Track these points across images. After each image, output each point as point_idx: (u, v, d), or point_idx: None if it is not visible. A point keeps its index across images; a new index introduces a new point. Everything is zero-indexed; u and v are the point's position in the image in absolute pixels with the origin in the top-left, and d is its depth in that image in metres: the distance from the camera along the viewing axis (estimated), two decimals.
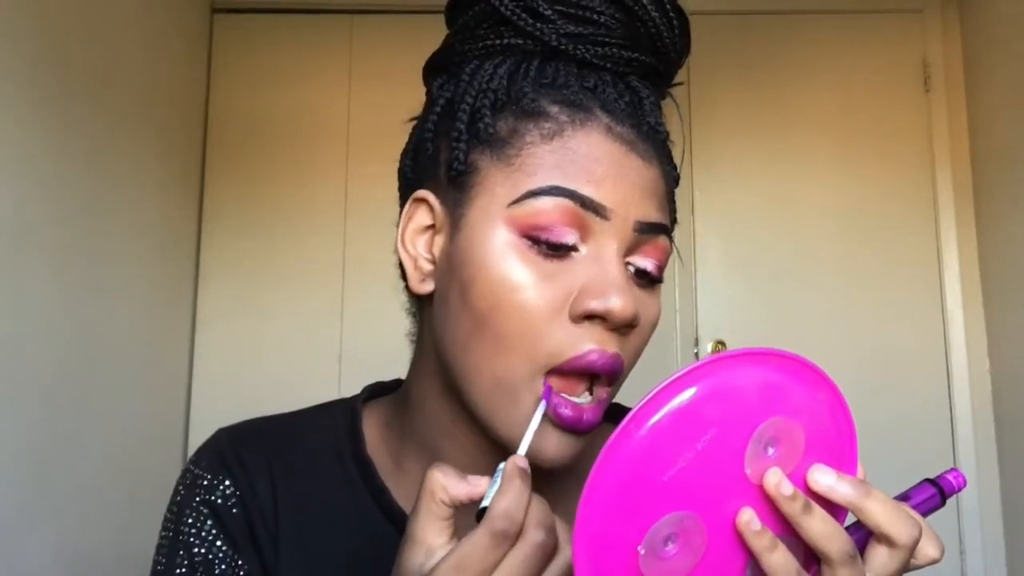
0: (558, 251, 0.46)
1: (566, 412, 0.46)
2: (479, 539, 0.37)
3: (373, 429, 0.58)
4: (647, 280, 0.50)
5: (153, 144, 2.11)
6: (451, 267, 0.49)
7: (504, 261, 0.46)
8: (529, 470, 0.40)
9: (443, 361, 0.51)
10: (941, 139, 2.44)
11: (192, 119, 2.39)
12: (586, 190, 0.46)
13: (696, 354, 2.32)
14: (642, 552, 0.37)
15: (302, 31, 2.52)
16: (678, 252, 0.58)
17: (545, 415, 0.46)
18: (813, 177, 2.45)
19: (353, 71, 2.47)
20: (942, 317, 2.37)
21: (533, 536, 0.38)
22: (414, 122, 0.57)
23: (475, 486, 0.40)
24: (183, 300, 2.33)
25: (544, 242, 0.46)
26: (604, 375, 0.47)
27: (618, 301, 0.45)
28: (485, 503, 0.39)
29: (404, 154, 0.57)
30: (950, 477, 0.47)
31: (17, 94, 1.53)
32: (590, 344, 0.46)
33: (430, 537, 0.39)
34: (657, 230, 0.49)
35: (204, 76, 2.47)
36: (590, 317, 0.46)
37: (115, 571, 1.78)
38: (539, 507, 0.39)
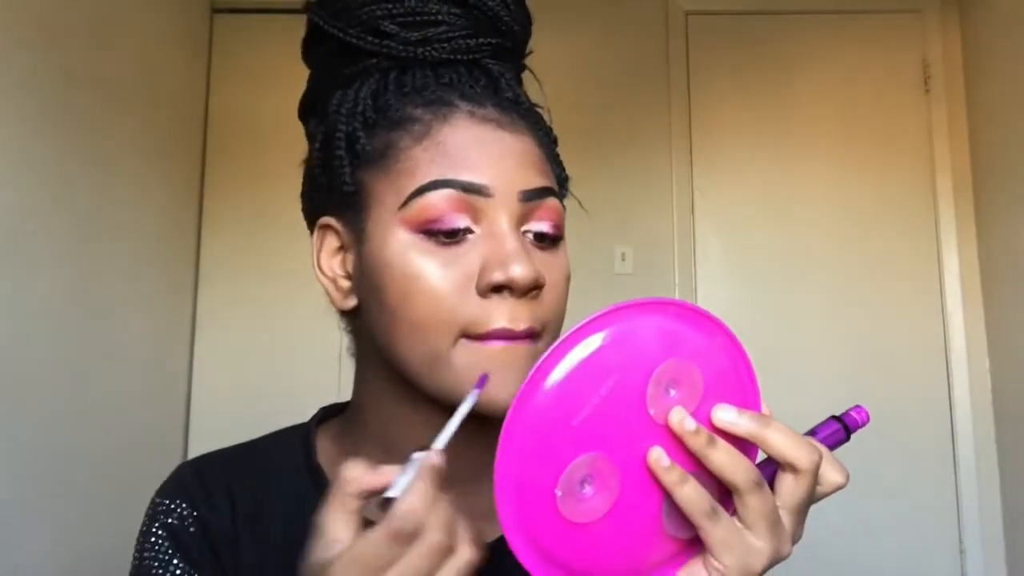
0: (454, 237, 0.50)
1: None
2: (378, 536, 0.38)
3: (325, 441, 0.61)
4: (548, 241, 0.53)
5: (153, 144, 2.11)
6: (364, 278, 0.53)
7: (405, 258, 0.50)
8: (443, 466, 0.41)
9: (384, 359, 0.54)
10: (941, 139, 2.44)
11: (192, 119, 2.40)
12: (464, 175, 0.50)
13: None
14: (559, 494, 0.39)
15: (302, 31, 2.52)
16: (580, 203, 0.62)
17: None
18: (813, 177, 2.45)
19: None
20: (942, 317, 2.37)
21: (431, 537, 0.39)
22: (303, 166, 0.60)
23: (384, 475, 0.41)
24: (183, 300, 2.33)
25: (438, 232, 0.50)
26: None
27: (518, 268, 0.48)
28: (391, 493, 0.40)
29: (302, 195, 0.60)
30: (853, 413, 0.50)
31: (18, 94, 1.53)
32: (501, 321, 0.49)
33: (333, 530, 0.40)
34: (543, 194, 0.52)
35: (204, 76, 2.47)
36: (497, 289, 0.49)
37: (114, 571, 1.78)
38: (443, 507, 0.40)
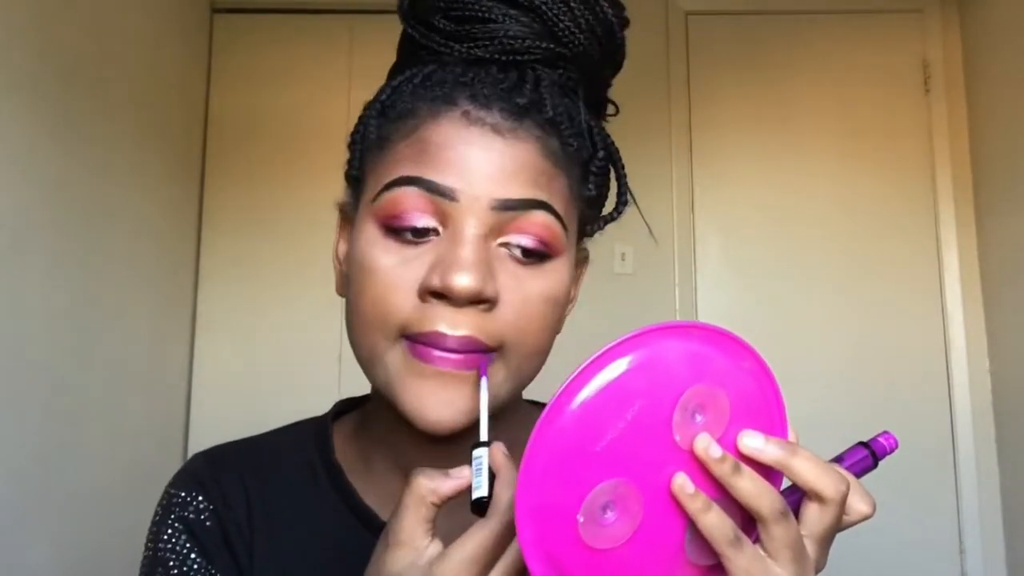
0: (417, 235, 0.49)
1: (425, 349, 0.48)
2: (494, 529, 0.39)
3: (342, 437, 0.60)
4: (534, 257, 0.50)
5: (153, 144, 2.11)
6: (347, 268, 0.54)
7: (366, 252, 0.50)
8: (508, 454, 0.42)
9: None
10: (941, 139, 2.44)
11: (192, 119, 2.40)
12: (431, 175, 0.48)
13: None
14: (581, 520, 0.38)
15: (302, 31, 2.52)
16: (650, 229, 0.59)
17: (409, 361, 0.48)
18: (813, 177, 2.45)
19: (353, 71, 2.47)
20: (942, 317, 2.37)
21: None
22: None
23: (460, 479, 0.42)
24: (183, 300, 2.33)
25: (400, 228, 0.49)
26: (457, 354, 0.48)
27: (458, 276, 0.46)
28: (480, 494, 0.41)
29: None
30: (882, 439, 0.49)
31: (17, 95, 1.53)
32: (439, 323, 0.47)
33: (417, 539, 0.41)
34: (525, 206, 0.49)
35: (204, 76, 2.47)
36: (436, 295, 0.47)
37: (115, 571, 1.78)
38: None
